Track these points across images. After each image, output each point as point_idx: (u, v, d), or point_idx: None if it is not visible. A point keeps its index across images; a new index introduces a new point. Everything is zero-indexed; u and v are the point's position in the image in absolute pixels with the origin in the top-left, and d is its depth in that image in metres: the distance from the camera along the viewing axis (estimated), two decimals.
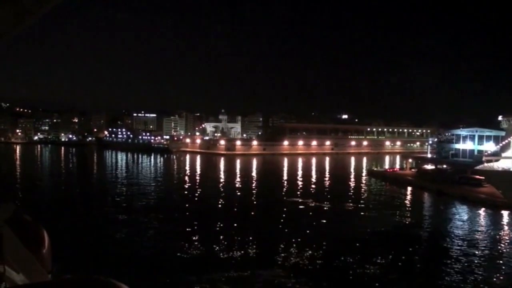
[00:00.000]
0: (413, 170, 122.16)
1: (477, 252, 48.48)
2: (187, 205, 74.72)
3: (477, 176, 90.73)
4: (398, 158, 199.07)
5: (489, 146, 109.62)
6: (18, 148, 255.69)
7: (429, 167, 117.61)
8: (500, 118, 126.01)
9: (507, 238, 57.15)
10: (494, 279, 40.17)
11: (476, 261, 45.01)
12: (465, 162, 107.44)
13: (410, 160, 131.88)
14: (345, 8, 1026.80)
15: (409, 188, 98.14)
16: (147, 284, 35.63)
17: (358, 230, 57.48)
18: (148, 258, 43.41)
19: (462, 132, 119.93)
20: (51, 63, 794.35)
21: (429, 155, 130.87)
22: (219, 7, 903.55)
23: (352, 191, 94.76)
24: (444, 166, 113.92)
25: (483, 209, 74.65)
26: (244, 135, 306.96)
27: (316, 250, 46.91)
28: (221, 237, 51.49)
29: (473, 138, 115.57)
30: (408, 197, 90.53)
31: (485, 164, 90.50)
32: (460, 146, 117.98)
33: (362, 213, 69.36)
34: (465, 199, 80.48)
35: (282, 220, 61.58)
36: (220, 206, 74.12)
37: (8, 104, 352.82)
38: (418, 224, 64.12)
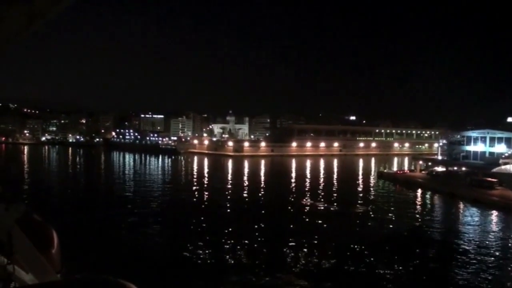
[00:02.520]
0: (423, 172, 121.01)
1: (489, 256, 47.76)
2: (195, 207, 74.16)
3: (490, 179, 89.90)
4: (406, 159, 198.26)
5: (501, 148, 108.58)
6: (25, 148, 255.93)
7: (440, 169, 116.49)
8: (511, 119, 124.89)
9: None
10: (508, 284, 39.49)
11: (488, 265, 44.31)
12: (477, 164, 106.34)
13: (420, 162, 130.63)
14: (353, 9, 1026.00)
15: (420, 191, 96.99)
16: (155, 285, 35.27)
17: (370, 233, 56.86)
18: (156, 259, 42.93)
19: (473, 133, 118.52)
20: (59, 64, 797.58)
21: (439, 157, 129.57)
22: (226, 9, 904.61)
23: (362, 193, 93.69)
24: (455, 168, 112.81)
25: (495, 212, 73.60)
26: (252, 136, 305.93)
27: (328, 254, 46.14)
28: (230, 240, 51.07)
29: (484, 139, 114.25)
30: (420, 199, 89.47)
31: (502, 167, 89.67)
32: (471, 148, 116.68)
33: (373, 216, 68.45)
34: (478, 202, 79.35)
35: (292, 223, 60.93)
36: (229, 208, 73.49)
37: (16, 105, 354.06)
38: (430, 227, 63.28)
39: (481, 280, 40.14)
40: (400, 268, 42.67)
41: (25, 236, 2.74)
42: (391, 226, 61.91)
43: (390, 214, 70.24)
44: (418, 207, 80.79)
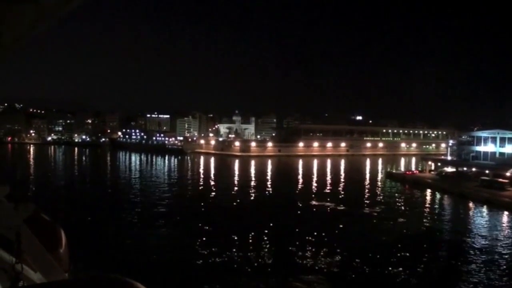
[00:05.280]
0: (432, 172, 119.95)
1: (502, 258, 47.05)
2: (202, 207, 73.75)
3: (501, 180, 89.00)
4: (413, 160, 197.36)
5: (511, 149, 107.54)
6: (31, 148, 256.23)
7: (450, 169, 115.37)
8: None
9: None
10: None
11: (499, 270, 43.42)
12: (487, 165, 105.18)
13: (429, 163, 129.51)
14: (360, 9, 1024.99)
15: (430, 191, 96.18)
16: (163, 285, 35.15)
17: (381, 233, 56.17)
18: (163, 259, 42.85)
19: (483, 133, 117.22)
20: (65, 63, 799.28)
21: (449, 158, 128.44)
22: (232, 9, 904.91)
23: (372, 194, 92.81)
24: (465, 168, 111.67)
25: (507, 212, 72.75)
26: (258, 136, 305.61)
27: (338, 255, 45.66)
28: (238, 240, 50.73)
29: (495, 140, 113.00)
30: (430, 200, 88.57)
31: None
32: (481, 148, 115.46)
33: (384, 217, 67.50)
34: (489, 203, 78.53)
35: (300, 224, 60.14)
36: (236, 208, 73.15)
37: (21, 105, 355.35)
38: (441, 228, 62.81)
39: (494, 281, 39.68)
40: (412, 269, 42.13)
41: (34, 235, 2.77)
42: (402, 227, 61.01)
43: (400, 215, 69.46)
44: (428, 207, 79.81)
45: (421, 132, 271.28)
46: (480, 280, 39.69)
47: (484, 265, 43.95)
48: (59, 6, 2.38)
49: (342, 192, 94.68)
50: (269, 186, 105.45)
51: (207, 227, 57.03)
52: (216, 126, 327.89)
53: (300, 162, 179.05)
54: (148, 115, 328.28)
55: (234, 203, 77.38)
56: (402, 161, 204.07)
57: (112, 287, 2.02)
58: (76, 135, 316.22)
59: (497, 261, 45.80)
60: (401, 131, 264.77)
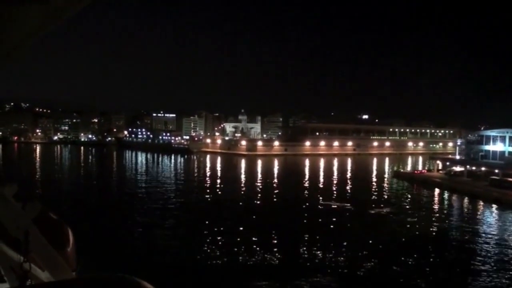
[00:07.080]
0: (441, 172, 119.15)
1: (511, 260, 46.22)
2: (210, 206, 73.67)
3: (510, 179, 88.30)
4: (420, 159, 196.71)
5: None
6: (38, 148, 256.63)
7: (458, 169, 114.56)
8: None
9: None
10: None
11: (509, 269, 42.84)
12: (496, 164, 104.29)
13: (437, 162, 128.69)
14: (366, 9, 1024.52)
15: (438, 190, 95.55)
16: (171, 285, 34.63)
17: (389, 234, 55.60)
18: (171, 259, 42.72)
19: (492, 133, 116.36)
20: (72, 63, 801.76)
21: (457, 157, 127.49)
22: (238, 9, 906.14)
23: (380, 193, 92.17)
24: (474, 168, 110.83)
25: None
26: (264, 135, 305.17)
27: (347, 257, 45.21)
28: (245, 241, 50.17)
29: (504, 139, 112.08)
30: (439, 200, 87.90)
31: None
32: (490, 147, 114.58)
33: (393, 217, 67.06)
34: (498, 202, 77.91)
35: (308, 224, 59.82)
36: (243, 208, 72.80)
37: (28, 104, 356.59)
38: (451, 228, 62.23)
39: (504, 281, 39.28)
40: (422, 269, 41.94)
41: (41, 234, 2.79)
42: (411, 226, 60.54)
43: (409, 215, 69.00)
44: (437, 207, 79.29)
45: (428, 131, 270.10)
46: (491, 279, 39.38)
47: (495, 264, 43.71)
48: (67, 7, 2.37)
49: (350, 192, 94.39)
50: (276, 185, 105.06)
51: (214, 227, 56.79)
52: (222, 125, 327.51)
53: (307, 161, 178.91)
54: (154, 115, 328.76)
55: (241, 203, 77.08)
56: (409, 160, 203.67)
57: (120, 286, 2.03)
58: (82, 134, 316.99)
59: (508, 260, 45.44)
60: (408, 130, 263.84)
